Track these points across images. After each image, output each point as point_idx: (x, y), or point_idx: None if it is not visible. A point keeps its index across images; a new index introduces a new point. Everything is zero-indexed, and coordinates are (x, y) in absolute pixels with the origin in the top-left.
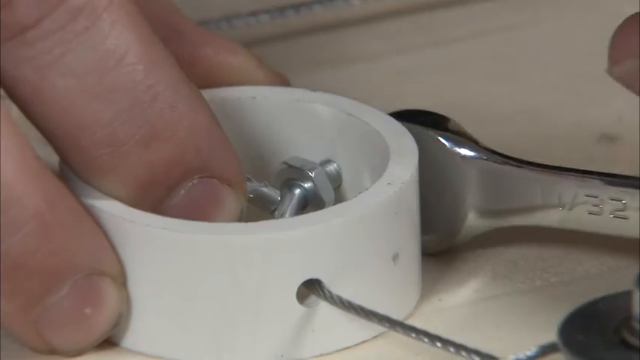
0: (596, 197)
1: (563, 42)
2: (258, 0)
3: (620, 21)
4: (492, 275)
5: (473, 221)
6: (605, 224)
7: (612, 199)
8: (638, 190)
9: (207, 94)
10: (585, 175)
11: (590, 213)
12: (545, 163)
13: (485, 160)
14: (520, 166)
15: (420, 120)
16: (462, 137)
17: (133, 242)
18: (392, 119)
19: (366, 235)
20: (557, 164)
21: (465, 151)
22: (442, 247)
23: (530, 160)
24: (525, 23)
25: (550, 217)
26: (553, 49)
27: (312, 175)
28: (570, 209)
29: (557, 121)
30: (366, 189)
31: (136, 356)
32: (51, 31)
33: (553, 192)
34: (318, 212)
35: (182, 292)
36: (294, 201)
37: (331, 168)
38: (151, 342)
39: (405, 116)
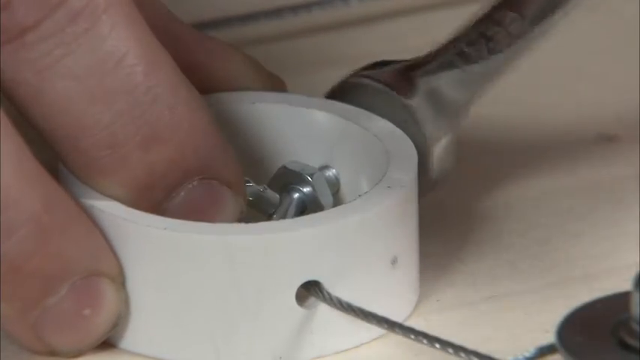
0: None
1: (562, 42)
2: (256, 1)
3: (620, 21)
4: (491, 276)
5: (433, 135)
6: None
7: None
8: None
9: (205, 99)
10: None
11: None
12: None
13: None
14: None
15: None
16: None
17: (133, 243)
18: (390, 124)
19: (365, 237)
20: (555, 164)
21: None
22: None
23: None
24: None
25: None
26: (552, 49)
27: (311, 179)
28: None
29: (556, 121)
30: (366, 192)
31: (135, 357)
32: (50, 33)
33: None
34: (319, 214)
35: (181, 293)
36: (293, 205)
37: (329, 174)
38: (150, 343)
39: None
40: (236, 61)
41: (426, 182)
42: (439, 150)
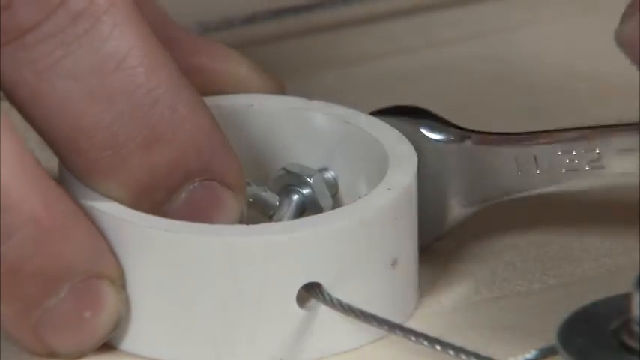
0: (571, 152)
1: (562, 42)
2: (257, 2)
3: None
4: (491, 277)
5: (457, 207)
6: (584, 178)
7: (586, 151)
8: (610, 137)
9: (205, 101)
10: (556, 132)
11: (568, 170)
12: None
13: (456, 142)
14: (493, 141)
15: (399, 113)
16: (437, 123)
17: (133, 244)
18: (389, 127)
19: (366, 239)
20: None
21: (436, 136)
22: (430, 240)
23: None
24: (524, 24)
25: (530, 183)
26: (552, 50)
27: (311, 181)
28: (548, 169)
29: (556, 121)
30: (366, 194)
31: (136, 359)
32: (51, 34)
33: (529, 156)
34: (319, 216)
35: (182, 294)
36: (292, 207)
37: (328, 176)
38: (150, 344)
39: (385, 112)
40: (235, 63)
41: (435, 235)
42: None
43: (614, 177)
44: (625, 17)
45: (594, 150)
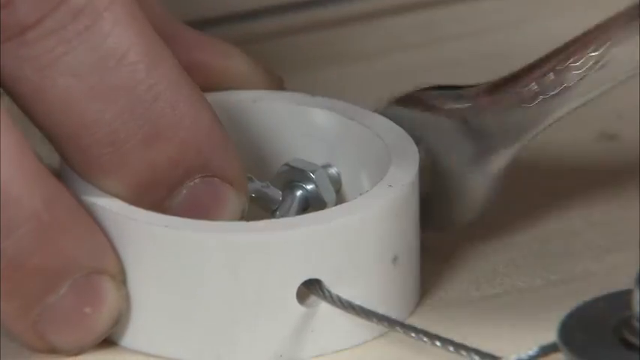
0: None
1: (563, 39)
2: None
3: None
4: (492, 274)
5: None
6: (592, 82)
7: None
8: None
9: (206, 97)
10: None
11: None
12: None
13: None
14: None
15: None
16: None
17: (134, 240)
18: (392, 123)
19: (367, 236)
20: (557, 162)
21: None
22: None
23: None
24: (526, 20)
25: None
26: (554, 46)
27: (314, 176)
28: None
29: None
30: (367, 191)
31: (136, 355)
32: (52, 30)
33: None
34: (320, 212)
35: (182, 291)
36: (296, 202)
37: (331, 171)
38: (150, 341)
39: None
40: (236, 59)
41: (462, 217)
42: (485, 186)
43: (619, 73)
44: None
45: (597, 51)
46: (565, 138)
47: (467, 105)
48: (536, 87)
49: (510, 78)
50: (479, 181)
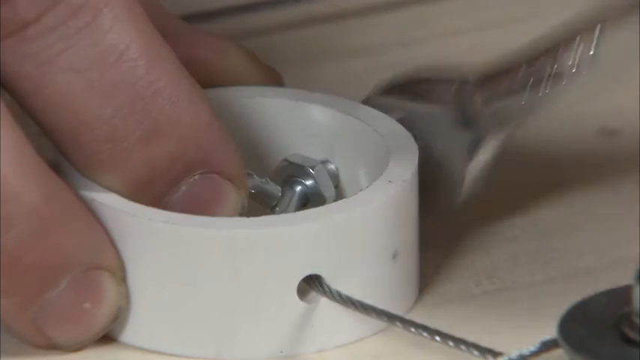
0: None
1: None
2: None
3: None
4: (493, 269)
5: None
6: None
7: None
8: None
9: (205, 93)
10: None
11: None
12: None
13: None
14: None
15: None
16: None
17: (134, 236)
18: (390, 119)
19: (366, 231)
20: (558, 158)
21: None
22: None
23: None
24: (527, 16)
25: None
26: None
27: (313, 172)
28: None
29: (557, 115)
30: (367, 187)
31: (136, 351)
32: (52, 26)
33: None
34: (320, 208)
35: (182, 287)
36: (295, 198)
37: (330, 167)
38: (150, 337)
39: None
40: (233, 54)
41: (451, 202)
42: (474, 173)
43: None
44: None
45: (588, 42)
46: (565, 134)
47: (457, 93)
48: (526, 77)
49: (501, 68)
50: (468, 169)
